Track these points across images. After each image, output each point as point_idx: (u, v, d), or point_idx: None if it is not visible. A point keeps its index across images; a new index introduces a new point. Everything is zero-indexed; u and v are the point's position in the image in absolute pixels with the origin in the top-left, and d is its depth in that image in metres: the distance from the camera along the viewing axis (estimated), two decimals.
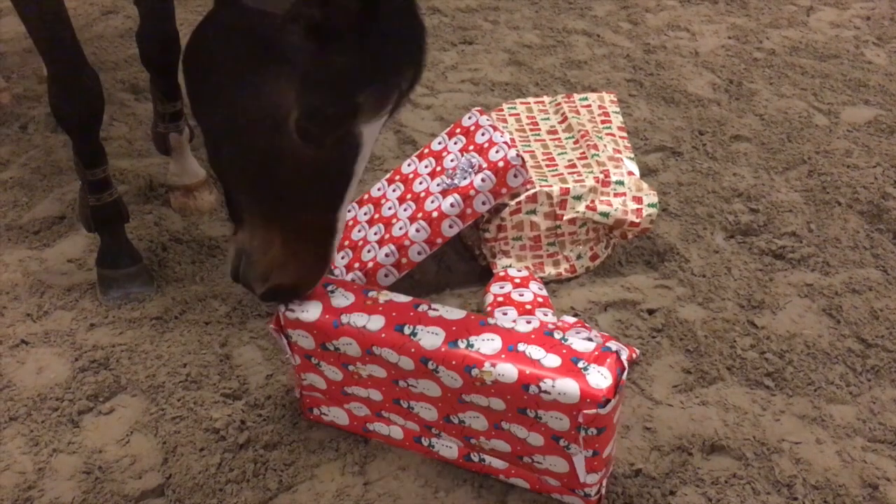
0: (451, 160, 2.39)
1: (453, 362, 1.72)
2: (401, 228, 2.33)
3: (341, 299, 1.86)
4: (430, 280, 2.49)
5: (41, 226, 2.66)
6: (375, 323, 1.79)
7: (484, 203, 2.30)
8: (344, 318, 1.81)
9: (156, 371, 2.16)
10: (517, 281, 2.38)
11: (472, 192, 2.28)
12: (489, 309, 2.28)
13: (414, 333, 1.76)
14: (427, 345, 1.74)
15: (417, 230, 2.29)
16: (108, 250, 2.39)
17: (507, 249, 2.45)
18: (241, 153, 1.61)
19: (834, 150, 3.07)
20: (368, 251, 2.35)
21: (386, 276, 2.32)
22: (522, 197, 2.37)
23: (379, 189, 2.50)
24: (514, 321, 1.94)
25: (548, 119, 2.77)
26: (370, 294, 1.89)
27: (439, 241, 2.31)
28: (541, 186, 2.38)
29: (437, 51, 3.75)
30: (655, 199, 2.44)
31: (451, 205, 2.28)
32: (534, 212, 2.39)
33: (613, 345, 2.17)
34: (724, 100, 3.42)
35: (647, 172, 2.96)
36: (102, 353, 2.21)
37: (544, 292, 2.37)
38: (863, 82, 3.51)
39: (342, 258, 2.40)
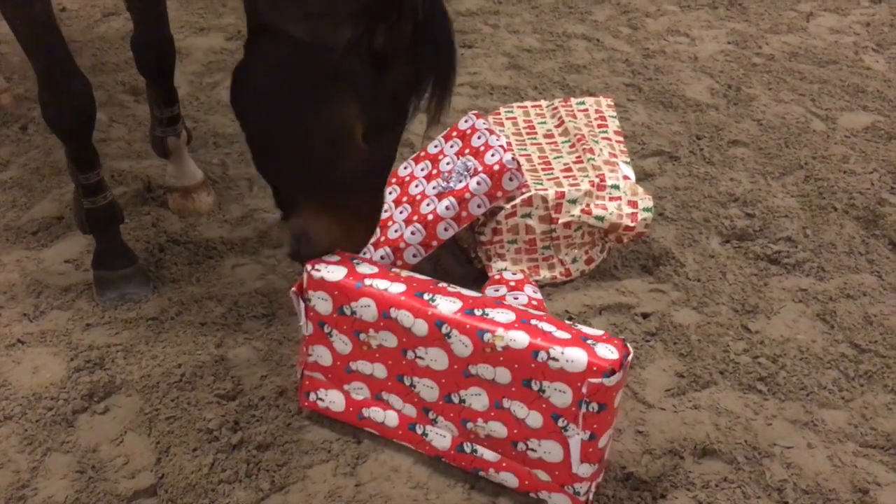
0: (448, 163, 2.40)
1: (467, 326, 1.77)
2: (396, 231, 2.34)
3: (366, 269, 1.93)
4: None
5: (39, 226, 2.67)
6: (397, 288, 1.86)
7: (479, 206, 2.31)
8: (367, 282, 1.88)
9: (151, 371, 2.17)
10: (512, 284, 2.39)
11: (467, 196, 2.29)
12: None
13: (433, 299, 1.83)
14: (444, 309, 1.80)
15: (413, 233, 2.30)
16: (104, 252, 2.40)
17: (502, 252, 2.45)
18: (305, 162, 1.78)
19: (831, 156, 3.07)
20: (364, 253, 2.36)
21: None
22: (518, 200, 2.38)
23: None
24: None
25: (544, 123, 2.78)
26: (393, 269, 1.96)
27: (434, 243, 2.32)
28: (536, 190, 2.39)
29: None
30: (650, 204, 2.45)
31: (447, 207, 2.29)
32: (529, 215, 2.40)
33: None
34: (723, 105, 3.43)
35: (644, 177, 2.97)
36: (98, 353, 2.22)
37: (539, 295, 2.38)
38: (861, 88, 3.52)
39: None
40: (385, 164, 1.85)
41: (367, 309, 1.86)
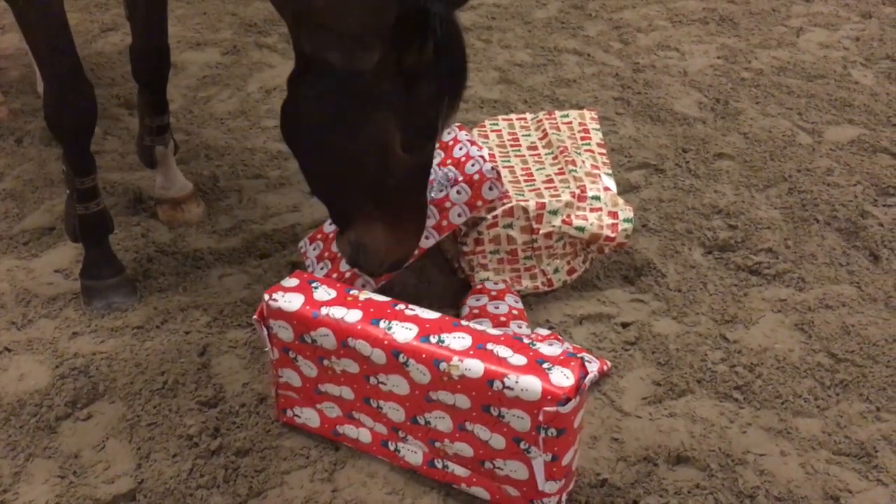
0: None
1: (423, 356, 1.79)
2: None
3: (323, 294, 1.95)
4: (409, 292, 2.52)
5: (30, 237, 2.72)
6: (353, 316, 1.88)
7: (460, 215, 2.34)
8: (323, 310, 1.90)
9: (134, 378, 2.20)
10: (493, 294, 2.42)
11: (447, 205, 2.32)
12: (465, 321, 2.31)
13: (389, 327, 1.84)
14: (400, 338, 1.82)
15: None
16: (93, 261, 2.44)
17: (484, 263, 2.48)
18: (356, 177, 1.94)
19: (815, 169, 3.10)
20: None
21: (363, 286, 2.36)
22: (499, 211, 2.41)
23: None
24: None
25: (528, 135, 2.81)
26: (352, 291, 1.97)
27: (416, 252, 2.35)
28: (517, 201, 2.42)
29: None
30: (631, 215, 2.48)
31: (427, 216, 2.32)
32: (510, 226, 2.43)
33: (585, 356, 2.21)
34: (710, 118, 3.46)
35: (629, 189, 3.00)
36: (83, 361, 2.25)
37: (520, 305, 2.40)
38: (848, 102, 3.54)
39: (322, 269, 2.44)
40: (424, 168, 2.01)
41: (326, 338, 1.89)
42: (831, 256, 2.65)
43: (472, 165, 2.32)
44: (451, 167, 2.38)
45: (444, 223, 2.33)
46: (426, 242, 2.34)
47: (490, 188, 2.32)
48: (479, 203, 2.33)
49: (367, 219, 2.01)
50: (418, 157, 1.96)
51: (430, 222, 2.32)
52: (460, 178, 2.33)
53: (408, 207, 2.04)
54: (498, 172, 2.32)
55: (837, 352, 2.29)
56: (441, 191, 2.34)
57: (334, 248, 2.47)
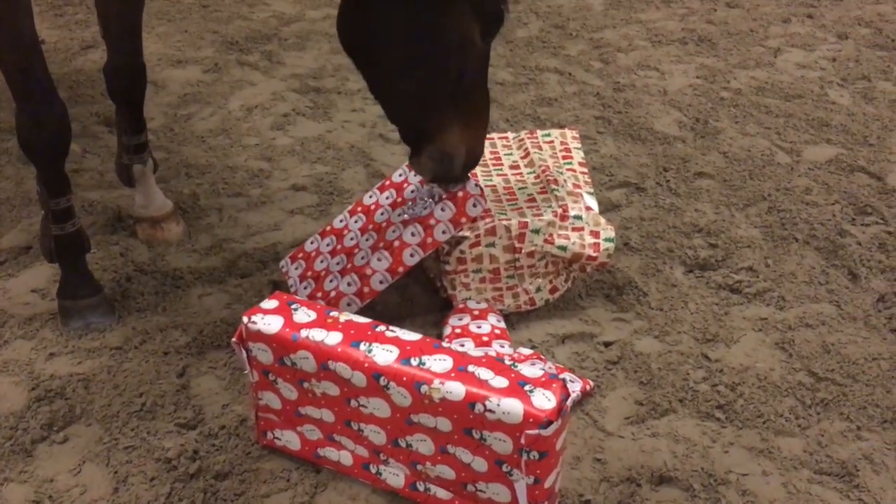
0: (412, 191, 2.43)
1: (404, 378, 1.77)
2: (363, 258, 2.37)
3: (303, 316, 1.92)
4: (391, 311, 2.52)
5: (7, 256, 2.68)
6: (333, 338, 1.86)
7: (444, 232, 2.33)
8: (303, 333, 1.87)
9: (111, 401, 2.17)
10: (476, 313, 2.42)
11: (432, 222, 2.32)
12: (447, 341, 2.30)
13: (369, 350, 1.82)
14: (380, 361, 1.80)
15: (379, 259, 2.33)
16: (69, 281, 2.41)
17: (467, 282, 2.48)
18: (440, 76, 1.99)
19: (794, 188, 3.13)
20: (331, 281, 2.38)
21: (348, 304, 2.35)
22: (482, 230, 2.41)
23: (341, 221, 2.54)
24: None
25: (511, 154, 2.82)
26: (332, 313, 1.95)
27: (401, 269, 2.34)
28: (499, 220, 2.42)
29: None
30: (612, 234, 2.49)
31: (412, 234, 2.32)
32: (493, 245, 2.43)
33: (567, 376, 2.21)
34: (690, 137, 3.49)
35: (610, 208, 3.01)
36: (59, 383, 2.22)
37: (502, 324, 2.40)
38: (825, 122, 3.59)
39: (305, 288, 2.43)
40: (488, 57, 2.13)
41: (306, 360, 1.86)
42: (811, 275, 2.67)
43: (454, 186, 2.32)
44: (433, 184, 2.38)
45: (429, 240, 2.32)
46: (411, 260, 2.34)
47: (474, 205, 2.32)
48: (463, 220, 2.33)
49: (446, 123, 2.07)
50: (485, 45, 2.05)
51: (415, 240, 2.32)
52: (444, 195, 2.33)
53: (479, 100, 2.12)
54: (481, 189, 2.33)
55: (818, 370, 2.30)
56: (425, 208, 2.34)
57: (318, 265, 2.46)
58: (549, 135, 2.88)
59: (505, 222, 2.41)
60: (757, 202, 3.05)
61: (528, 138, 2.86)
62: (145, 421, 2.12)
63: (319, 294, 2.38)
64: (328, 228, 2.57)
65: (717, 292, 2.61)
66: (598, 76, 4.01)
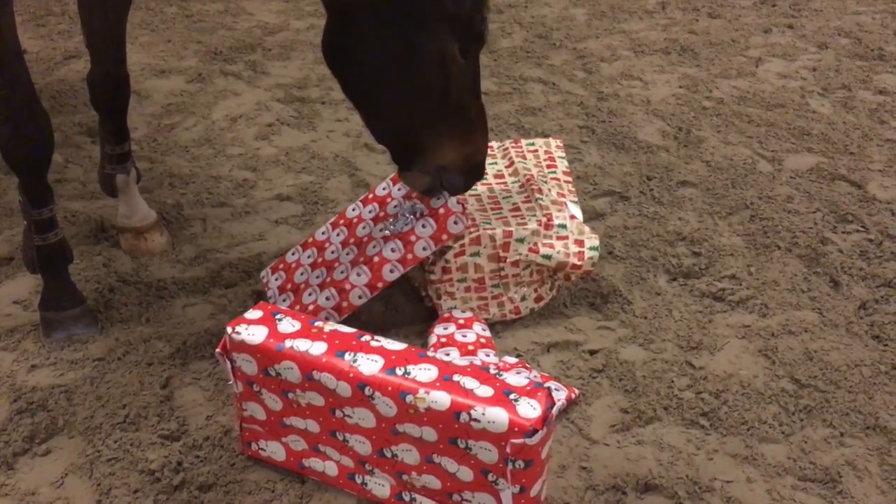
0: (395, 206, 2.43)
1: (389, 388, 1.77)
2: (342, 272, 2.36)
3: (288, 326, 1.92)
4: (376, 320, 2.51)
5: None
6: (318, 348, 1.86)
7: (424, 249, 2.34)
8: (287, 343, 1.87)
9: (94, 412, 2.15)
10: (461, 322, 2.42)
11: (413, 238, 2.32)
12: (432, 350, 2.30)
13: (354, 360, 1.82)
14: (365, 370, 1.80)
15: (359, 274, 2.32)
16: (52, 292, 2.39)
17: (451, 291, 2.48)
18: (425, 95, 2.04)
19: (776, 196, 3.15)
20: (310, 294, 2.38)
21: (326, 318, 2.34)
22: (466, 239, 2.41)
23: (323, 233, 2.54)
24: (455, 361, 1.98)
25: (495, 163, 2.83)
26: (316, 323, 1.95)
27: (380, 285, 2.34)
28: (484, 229, 2.42)
29: None
30: (597, 243, 2.50)
31: (392, 250, 2.32)
32: (477, 254, 2.43)
33: (552, 384, 2.21)
34: (673, 147, 3.51)
35: (594, 216, 3.03)
36: (41, 395, 2.20)
37: (487, 333, 2.40)
38: (806, 131, 3.62)
39: (284, 301, 2.42)
40: (478, 71, 2.14)
41: (290, 371, 1.86)
42: (793, 283, 2.69)
43: (438, 198, 2.33)
44: (416, 200, 2.39)
45: (409, 256, 2.32)
46: (391, 276, 2.34)
47: (455, 222, 2.32)
48: (444, 237, 2.33)
49: (437, 138, 2.11)
50: (473, 62, 2.08)
51: (395, 255, 2.32)
52: (425, 212, 2.33)
53: (472, 112, 2.14)
54: (463, 206, 2.33)
55: (801, 377, 2.31)
56: (406, 224, 2.34)
57: (298, 278, 2.46)
58: (533, 144, 2.89)
59: (489, 232, 2.42)
60: (739, 210, 3.07)
61: (513, 147, 2.87)
62: (128, 432, 2.10)
63: (298, 307, 2.37)
64: (310, 240, 2.56)
65: (700, 300, 2.62)
66: (582, 86, 4.04)
